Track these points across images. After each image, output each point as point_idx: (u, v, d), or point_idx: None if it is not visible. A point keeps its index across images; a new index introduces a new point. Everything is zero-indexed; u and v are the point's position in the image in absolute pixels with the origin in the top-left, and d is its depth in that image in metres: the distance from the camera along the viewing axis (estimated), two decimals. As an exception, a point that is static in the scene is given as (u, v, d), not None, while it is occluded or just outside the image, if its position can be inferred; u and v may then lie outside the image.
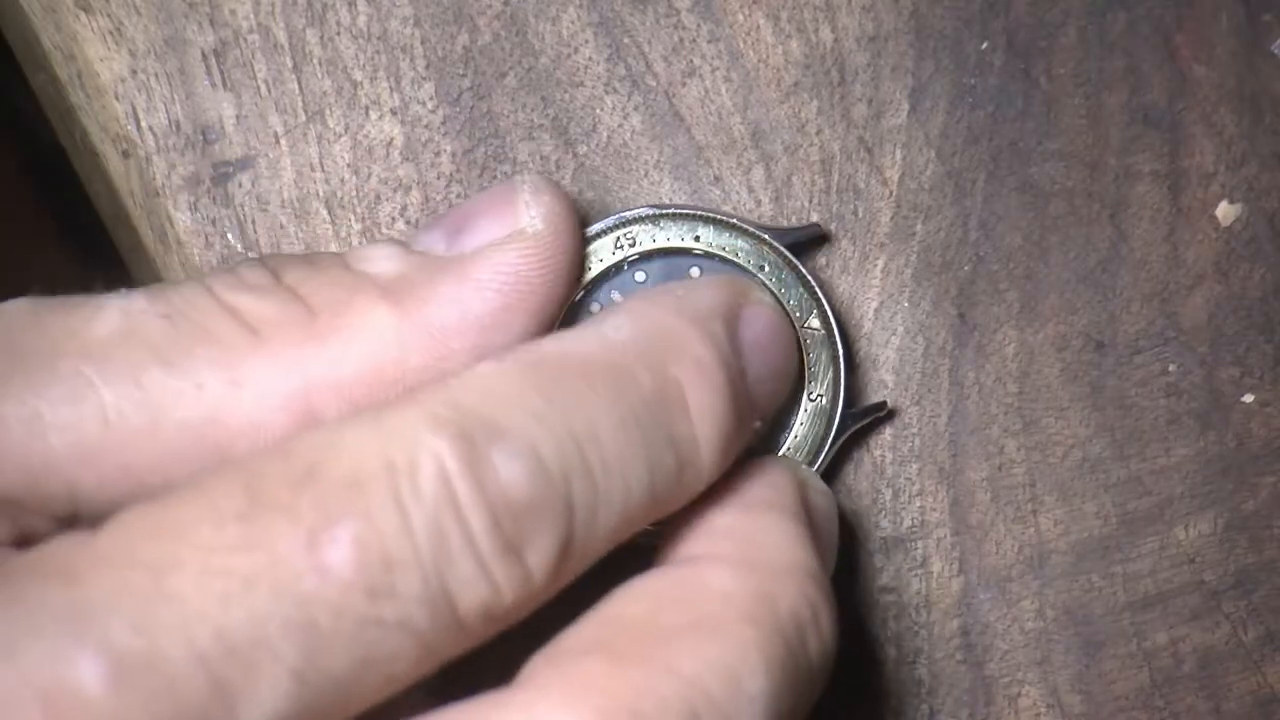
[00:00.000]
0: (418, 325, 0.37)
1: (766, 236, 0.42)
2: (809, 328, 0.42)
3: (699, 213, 0.42)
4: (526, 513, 0.33)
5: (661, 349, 0.37)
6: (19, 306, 0.36)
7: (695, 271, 0.42)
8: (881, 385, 0.44)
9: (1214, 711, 0.44)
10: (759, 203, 0.43)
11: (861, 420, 0.43)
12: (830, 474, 0.43)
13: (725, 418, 0.37)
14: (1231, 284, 0.44)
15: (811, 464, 0.42)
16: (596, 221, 0.42)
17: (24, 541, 0.35)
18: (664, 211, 0.42)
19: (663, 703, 0.33)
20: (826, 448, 0.42)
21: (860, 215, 0.44)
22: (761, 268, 0.42)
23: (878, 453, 0.44)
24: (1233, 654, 0.44)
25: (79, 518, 0.35)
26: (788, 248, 0.42)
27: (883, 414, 0.43)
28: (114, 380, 0.35)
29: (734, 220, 0.42)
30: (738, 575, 0.35)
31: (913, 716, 0.44)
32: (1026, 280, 0.44)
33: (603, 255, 0.41)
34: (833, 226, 0.44)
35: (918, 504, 0.44)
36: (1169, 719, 0.44)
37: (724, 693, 0.34)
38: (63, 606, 0.30)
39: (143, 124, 0.42)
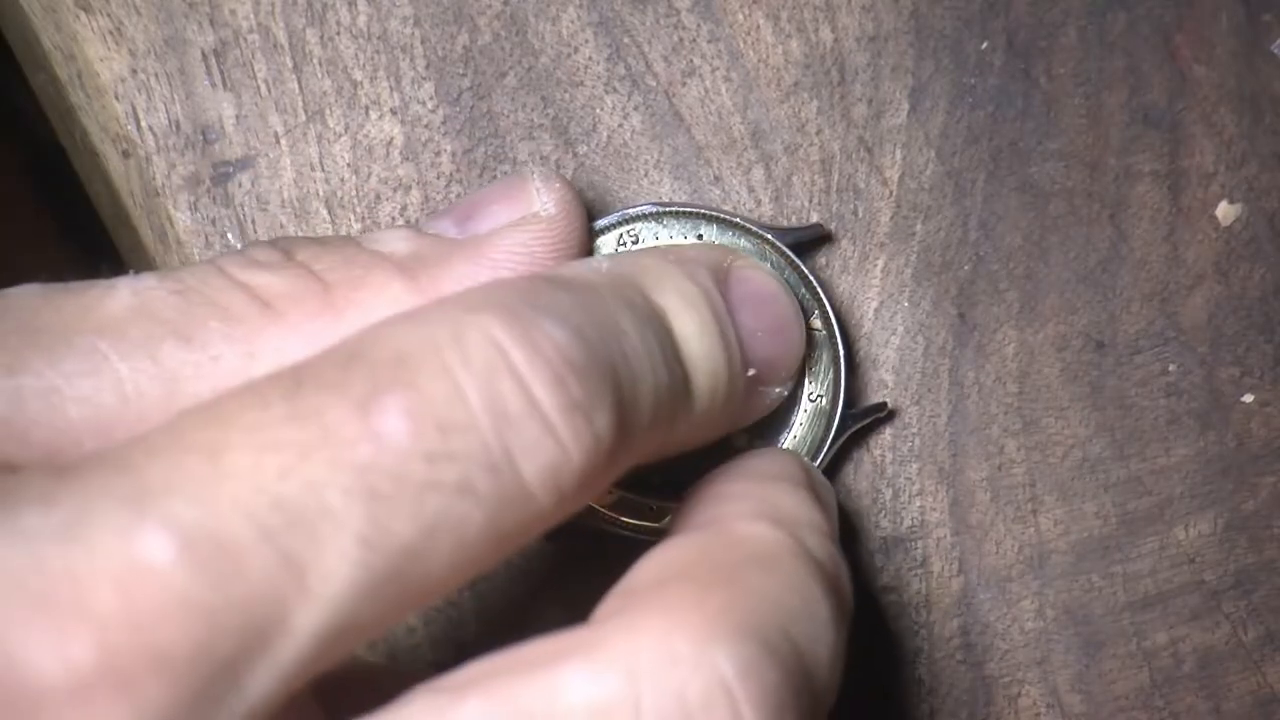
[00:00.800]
0: (430, 296, 0.38)
1: (769, 236, 0.42)
2: (811, 328, 0.42)
3: (702, 211, 0.42)
4: (585, 372, 0.33)
5: (645, 282, 0.37)
6: (30, 290, 0.36)
7: None
8: (881, 385, 0.44)
9: (1214, 711, 0.44)
10: (759, 202, 0.43)
11: (861, 421, 0.43)
12: (830, 474, 0.43)
13: (713, 350, 0.37)
14: (1231, 284, 0.44)
15: (812, 459, 0.42)
16: (600, 218, 0.42)
17: None
18: (667, 209, 0.42)
19: (759, 617, 0.33)
20: (826, 448, 0.42)
21: (860, 215, 0.44)
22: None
23: (878, 453, 0.44)
24: (1233, 654, 0.44)
25: None
26: (790, 248, 0.42)
27: (883, 415, 0.43)
28: (129, 355, 0.36)
29: (737, 219, 0.42)
30: (768, 526, 0.35)
31: (913, 716, 0.44)
32: (1026, 280, 0.44)
33: (606, 252, 0.41)
34: (833, 226, 0.44)
35: (918, 504, 0.44)
36: (1169, 719, 0.44)
37: (804, 613, 0.34)
38: (123, 489, 0.30)
39: (143, 124, 0.42)
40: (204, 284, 0.37)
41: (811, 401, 0.42)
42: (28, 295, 0.36)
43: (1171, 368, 0.44)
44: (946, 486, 0.44)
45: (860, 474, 0.44)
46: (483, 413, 0.32)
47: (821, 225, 0.43)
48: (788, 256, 0.42)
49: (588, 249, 0.41)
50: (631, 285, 0.36)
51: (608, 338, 0.34)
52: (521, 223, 0.39)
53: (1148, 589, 0.44)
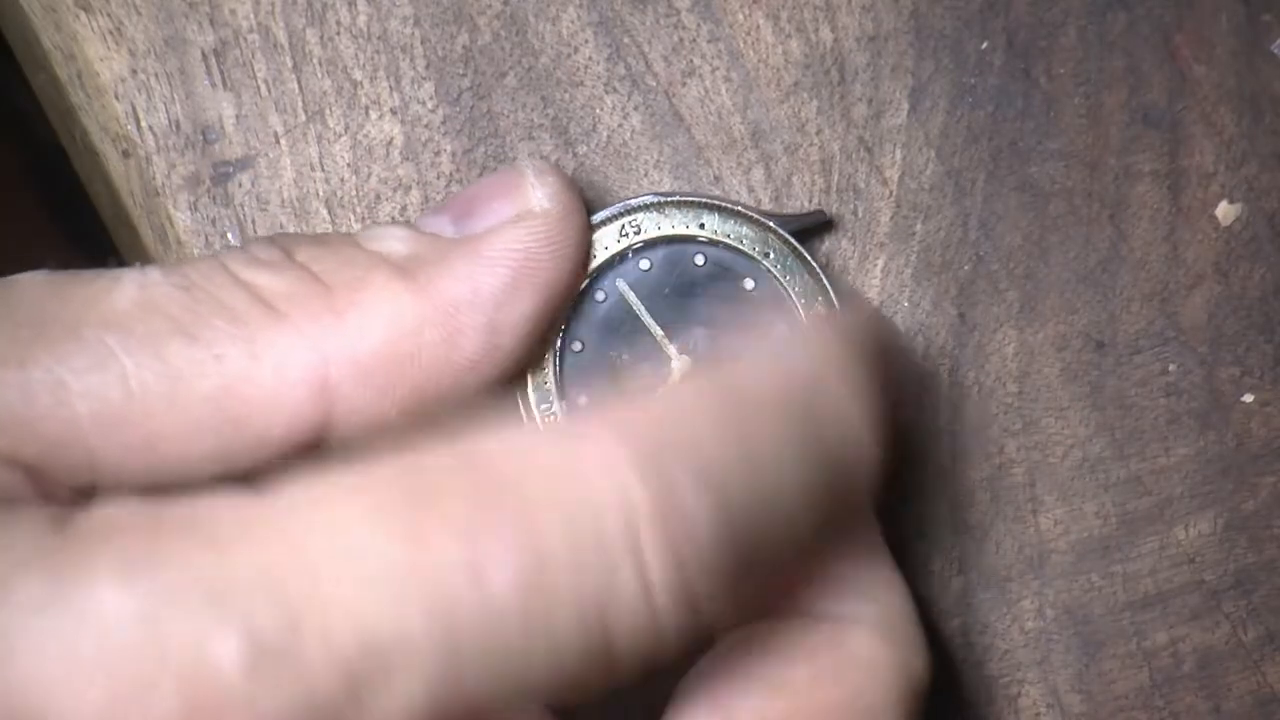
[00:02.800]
0: (432, 301, 0.38)
1: (771, 223, 0.42)
2: (814, 314, 0.42)
3: (703, 200, 0.42)
4: (710, 561, 0.32)
5: (817, 362, 0.35)
6: (36, 278, 0.36)
7: (700, 259, 0.42)
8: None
9: (1214, 711, 0.44)
10: (759, 202, 0.43)
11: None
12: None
13: (871, 422, 0.35)
14: (1231, 284, 0.44)
15: None
16: (599, 210, 0.42)
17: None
18: (669, 199, 0.42)
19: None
20: None
21: (860, 215, 0.44)
22: (766, 254, 0.42)
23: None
24: (1232, 654, 0.44)
25: (96, 489, 0.35)
26: (792, 235, 0.42)
27: (825, 220, 0.43)
28: (135, 350, 0.36)
29: (739, 207, 0.42)
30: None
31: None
32: (1026, 280, 0.44)
33: (607, 243, 0.41)
34: (832, 226, 0.44)
35: (918, 504, 0.44)
36: (1169, 719, 0.44)
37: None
38: (209, 577, 0.29)
39: (143, 124, 0.42)
40: (208, 281, 0.37)
41: None
42: (35, 284, 0.36)
43: (1171, 368, 0.44)
44: (946, 486, 0.44)
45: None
46: (590, 571, 0.31)
47: (823, 211, 0.43)
48: (790, 243, 0.42)
49: (586, 242, 0.40)
50: (810, 390, 0.34)
51: (754, 500, 0.32)
52: (518, 219, 0.39)
53: (1148, 589, 0.44)
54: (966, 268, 0.44)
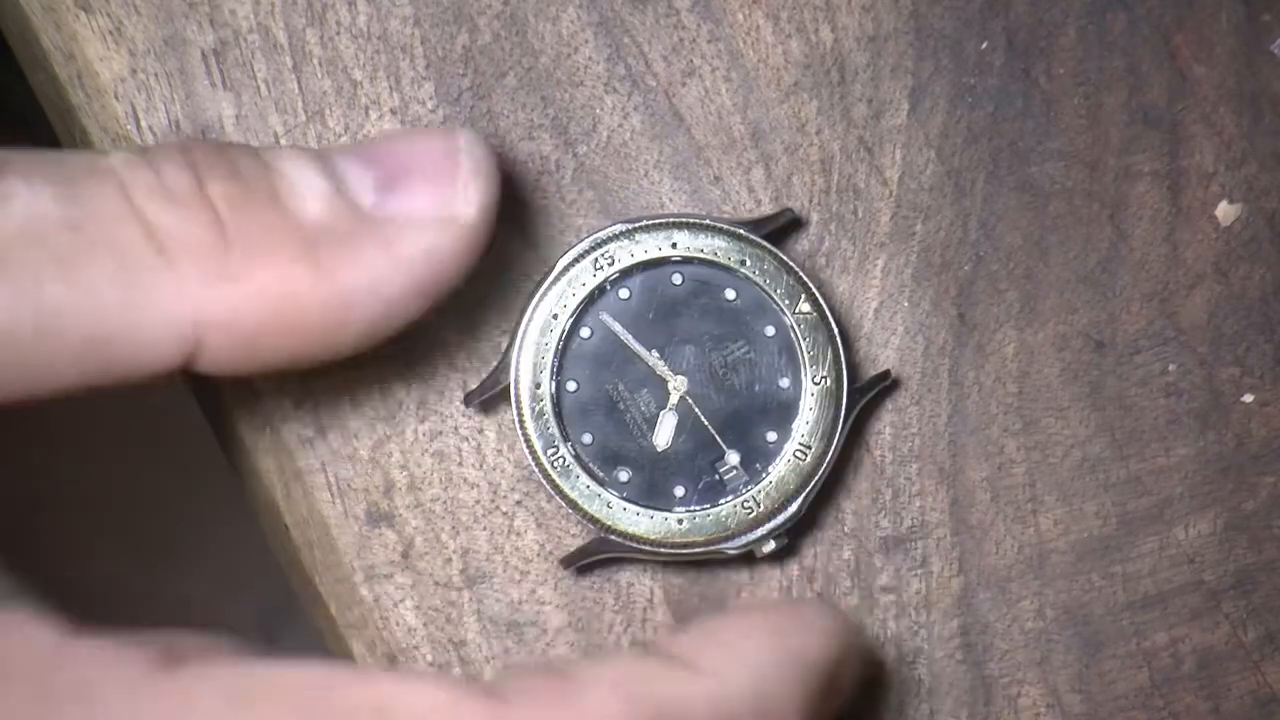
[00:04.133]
0: (329, 289, 0.37)
1: (742, 231, 0.42)
2: (800, 312, 0.42)
3: (671, 219, 0.42)
4: None
5: (762, 718, 0.37)
6: None
7: (677, 278, 0.42)
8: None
9: (1214, 711, 0.44)
10: (759, 203, 0.43)
11: (869, 393, 0.43)
12: (830, 473, 0.43)
13: None
14: (1231, 284, 0.44)
15: (826, 446, 0.42)
16: (569, 249, 0.41)
17: None
18: (637, 224, 0.41)
19: None
20: (840, 428, 0.42)
21: (860, 215, 0.44)
22: (743, 262, 0.42)
23: (878, 453, 0.44)
24: (1232, 654, 0.44)
25: None
26: (766, 237, 0.42)
27: (888, 383, 0.43)
28: (11, 289, 0.35)
29: (707, 221, 0.42)
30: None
31: (913, 716, 0.44)
32: (1026, 280, 0.44)
33: (584, 279, 0.41)
34: (832, 226, 0.44)
35: (918, 504, 0.44)
36: (1168, 719, 0.44)
37: None
38: None
39: (143, 124, 0.42)
40: (102, 214, 0.36)
41: (816, 385, 0.42)
42: None
43: (1171, 368, 0.44)
44: (946, 486, 0.44)
45: (860, 474, 0.44)
46: None
47: (792, 210, 0.43)
48: (765, 248, 0.42)
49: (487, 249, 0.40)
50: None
51: None
52: (440, 223, 0.38)
53: (1147, 589, 0.44)
54: (966, 268, 0.44)
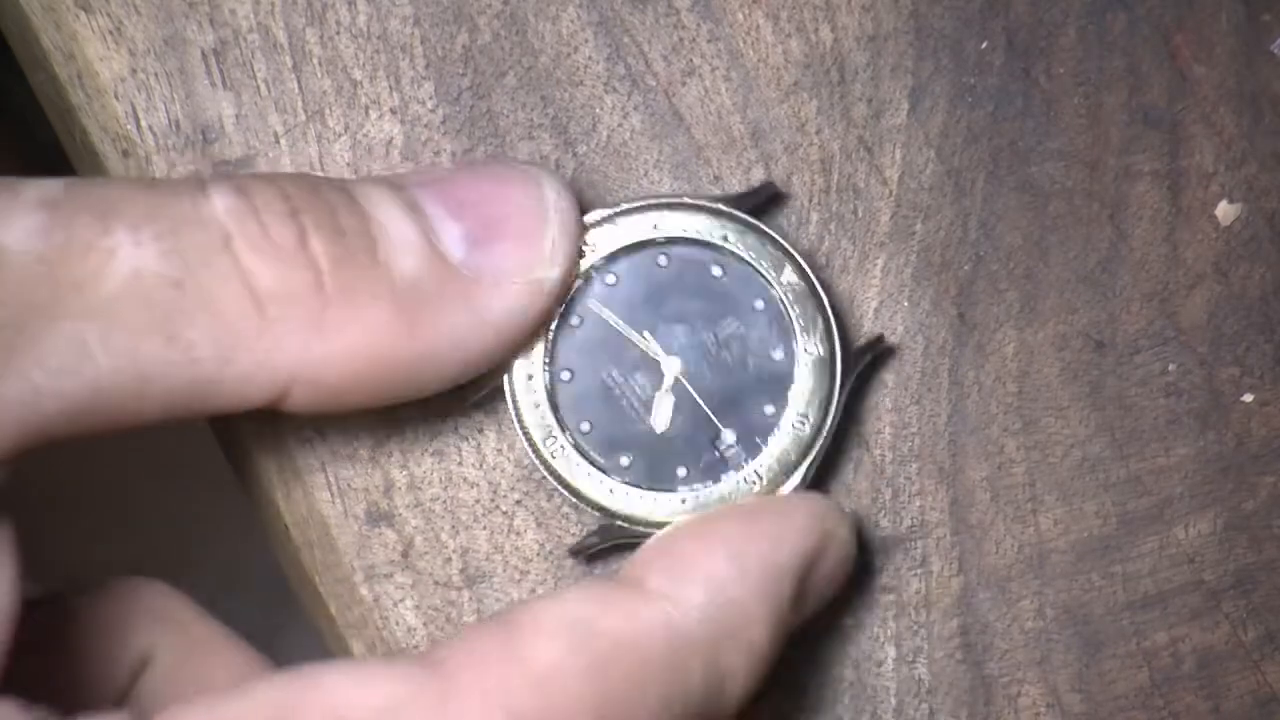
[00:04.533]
0: (419, 346, 0.38)
1: (722, 206, 0.41)
2: (786, 283, 0.42)
3: (650, 201, 0.41)
4: None
5: (722, 637, 0.37)
6: (30, 248, 0.35)
7: (663, 259, 0.41)
8: (881, 385, 0.44)
9: (1214, 711, 0.44)
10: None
11: (864, 359, 0.43)
12: (830, 473, 0.43)
13: (757, 681, 0.38)
14: (1231, 284, 0.44)
15: (824, 415, 0.42)
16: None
17: None
18: (617, 210, 0.41)
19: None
20: (837, 396, 0.42)
21: (860, 215, 0.44)
22: (725, 238, 0.42)
23: (878, 453, 0.44)
24: (1232, 654, 0.44)
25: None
26: (750, 213, 0.42)
27: (882, 348, 0.43)
28: (113, 349, 0.36)
29: (686, 199, 0.41)
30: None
31: (913, 716, 0.44)
32: (1026, 280, 0.44)
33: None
34: (832, 226, 0.44)
35: (918, 504, 0.44)
36: (1168, 719, 0.44)
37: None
38: None
39: (143, 123, 0.42)
40: (206, 267, 0.36)
41: (808, 354, 0.42)
42: (26, 261, 0.35)
43: (1171, 367, 0.44)
44: (946, 486, 0.44)
45: (860, 474, 0.44)
46: None
47: (773, 183, 0.43)
48: (746, 222, 0.41)
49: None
50: (705, 650, 0.37)
51: None
52: (526, 284, 0.39)
53: (1148, 589, 0.44)
54: (966, 267, 0.44)
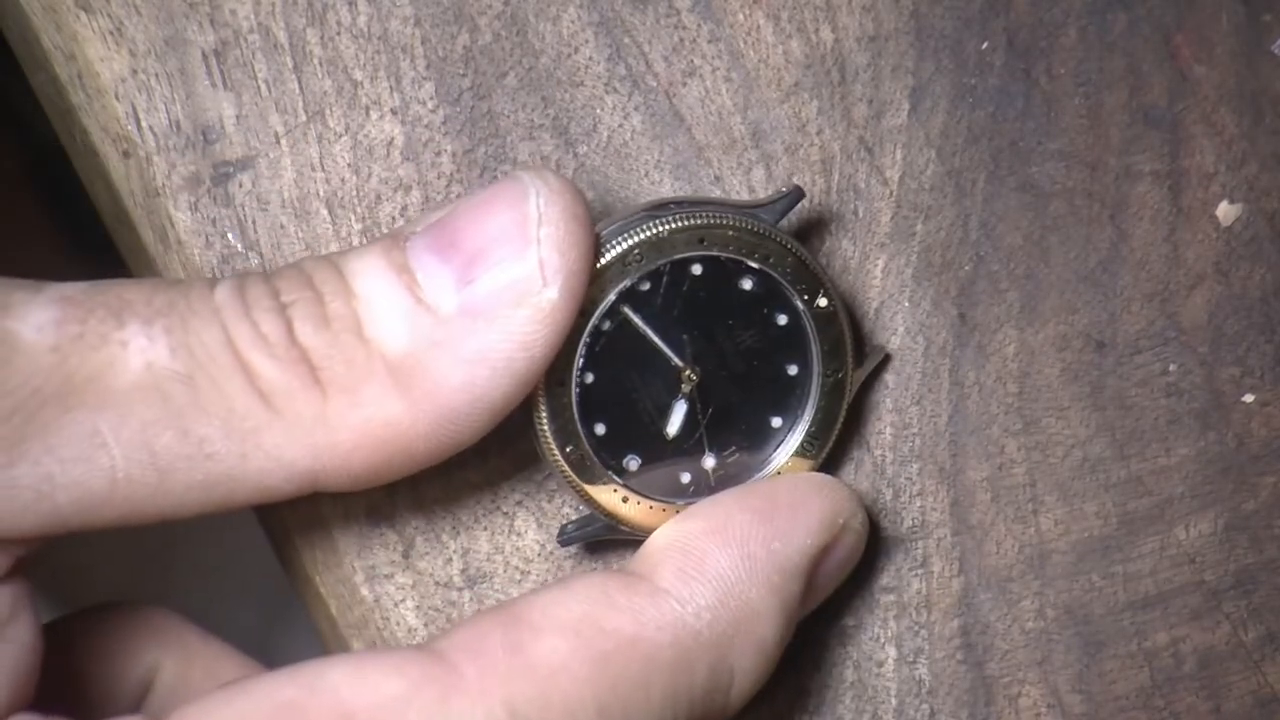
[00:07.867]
0: (427, 415, 0.37)
1: (768, 228, 0.41)
2: (818, 307, 0.41)
3: (701, 224, 0.40)
4: None
5: (730, 636, 0.37)
6: (43, 338, 0.36)
7: (697, 269, 0.41)
8: (882, 385, 0.44)
9: (1214, 711, 0.44)
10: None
11: (867, 373, 0.43)
12: (831, 473, 0.43)
13: (764, 676, 0.38)
14: (1232, 284, 0.44)
15: (830, 432, 0.42)
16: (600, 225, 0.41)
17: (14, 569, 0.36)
18: (669, 225, 0.40)
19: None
20: (841, 412, 0.42)
21: (860, 215, 0.44)
22: (766, 258, 0.41)
23: (878, 453, 0.44)
24: (1233, 654, 0.44)
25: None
26: (779, 223, 0.41)
27: (883, 358, 0.43)
28: (127, 442, 0.36)
29: (734, 219, 0.40)
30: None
31: (913, 716, 0.44)
32: (1027, 280, 0.44)
33: (615, 280, 0.40)
34: (833, 226, 0.44)
35: (918, 504, 0.44)
36: (1169, 719, 0.44)
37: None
38: None
39: (143, 124, 0.42)
40: (212, 363, 0.37)
41: (827, 377, 0.42)
42: (39, 351, 0.36)
43: (1172, 368, 0.44)
44: (947, 486, 0.44)
45: (860, 474, 0.44)
46: None
47: (801, 189, 0.41)
48: (788, 246, 0.41)
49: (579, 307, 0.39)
50: (712, 650, 0.37)
51: None
52: (525, 311, 0.37)
53: (1148, 589, 0.44)
54: (967, 268, 0.44)
